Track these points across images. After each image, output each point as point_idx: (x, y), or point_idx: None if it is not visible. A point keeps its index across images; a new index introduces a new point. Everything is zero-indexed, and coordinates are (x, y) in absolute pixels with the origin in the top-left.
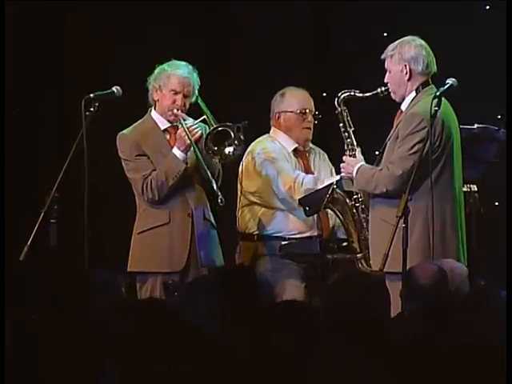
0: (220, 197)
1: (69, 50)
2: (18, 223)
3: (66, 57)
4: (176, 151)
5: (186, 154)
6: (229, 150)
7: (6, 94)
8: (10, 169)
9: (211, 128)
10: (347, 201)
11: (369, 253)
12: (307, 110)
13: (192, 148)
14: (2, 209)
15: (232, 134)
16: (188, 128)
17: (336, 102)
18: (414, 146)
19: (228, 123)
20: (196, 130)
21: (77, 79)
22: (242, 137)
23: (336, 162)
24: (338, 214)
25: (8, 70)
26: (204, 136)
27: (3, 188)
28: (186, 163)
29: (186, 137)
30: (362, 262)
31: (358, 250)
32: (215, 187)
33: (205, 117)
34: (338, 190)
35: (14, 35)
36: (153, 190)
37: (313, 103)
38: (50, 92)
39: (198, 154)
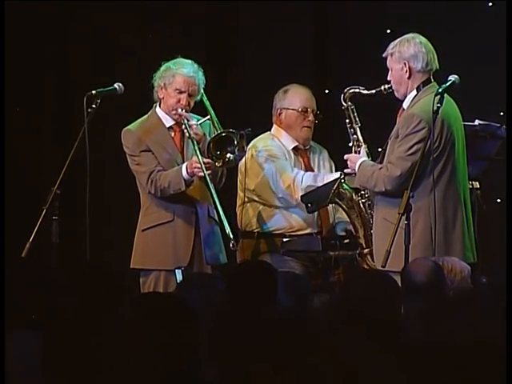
0: (232, 242)
1: (69, 48)
2: (20, 220)
3: (66, 54)
4: (184, 170)
5: (192, 176)
6: (230, 156)
7: (6, 91)
8: (11, 166)
9: (215, 133)
10: (354, 196)
11: None
12: (309, 109)
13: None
14: (4, 206)
15: (235, 141)
16: (191, 126)
17: (342, 98)
18: (413, 146)
19: (232, 130)
20: (199, 132)
21: (78, 76)
22: (244, 144)
23: (337, 158)
24: (345, 208)
25: (8, 68)
26: (207, 140)
27: (4, 185)
28: (188, 185)
29: (200, 168)
30: (368, 257)
31: (364, 245)
32: (228, 230)
33: (209, 117)
34: (344, 185)
35: (13, 32)
36: (156, 189)
37: (315, 102)
38: (52, 88)
39: (200, 158)
